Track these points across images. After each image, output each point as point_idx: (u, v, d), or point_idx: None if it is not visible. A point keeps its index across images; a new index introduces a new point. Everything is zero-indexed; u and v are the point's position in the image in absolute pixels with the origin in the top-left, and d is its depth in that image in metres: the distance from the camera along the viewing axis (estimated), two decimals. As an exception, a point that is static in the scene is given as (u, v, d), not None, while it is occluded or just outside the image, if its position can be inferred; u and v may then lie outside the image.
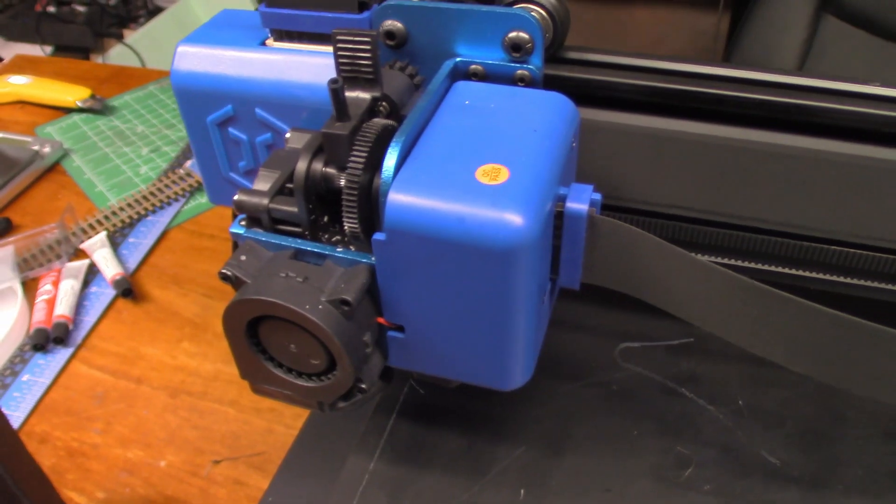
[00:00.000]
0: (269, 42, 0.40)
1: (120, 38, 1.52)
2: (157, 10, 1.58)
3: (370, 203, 0.33)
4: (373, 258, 0.33)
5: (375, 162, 0.32)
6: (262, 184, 0.35)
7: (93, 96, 0.84)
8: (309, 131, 0.38)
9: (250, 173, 0.42)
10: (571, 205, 0.33)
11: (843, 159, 0.35)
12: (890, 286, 0.39)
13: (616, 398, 0.43)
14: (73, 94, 0.84)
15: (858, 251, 0.39)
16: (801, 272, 0.40)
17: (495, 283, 0.31)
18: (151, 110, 0.85)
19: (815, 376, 0.32)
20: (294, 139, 0.37)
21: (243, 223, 0.44)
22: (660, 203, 0.39)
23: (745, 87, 0.35)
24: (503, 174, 0.31)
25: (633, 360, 0.45)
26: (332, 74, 0.38)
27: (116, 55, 1.41)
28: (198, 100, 0.40)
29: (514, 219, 0.30)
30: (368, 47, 0.32)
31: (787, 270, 0.40)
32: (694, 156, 0.37)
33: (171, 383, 0.57)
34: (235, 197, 0.35)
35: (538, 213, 0.30)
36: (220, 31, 0.41)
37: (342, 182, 0.33)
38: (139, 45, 1.41)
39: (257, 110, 0.39)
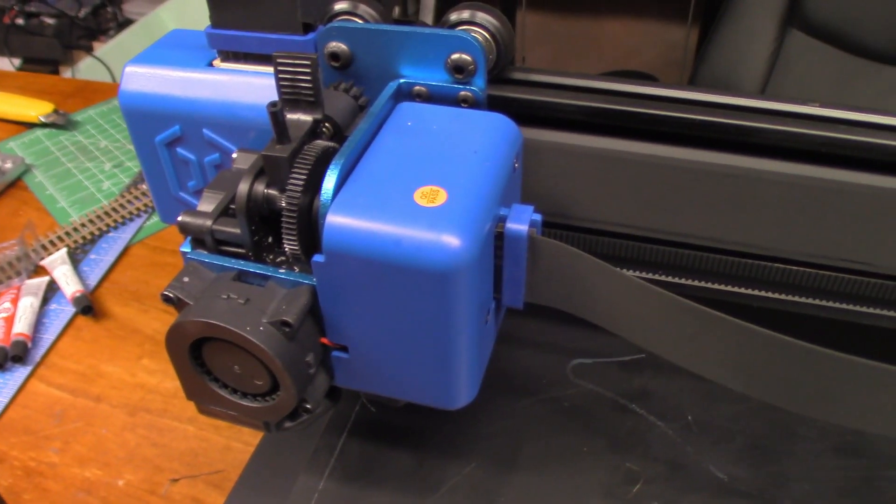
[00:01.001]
0: (217, 63, 0.40)
1: (90, 50, 1.51)
2: (128, 23, 1.57)
3: (311, 225, 0.33)
4: (313, 279, 0.33)
5: (315, 184, 0.32)
6: (207, 205, 0.35)
7: (56, 111, 0.84)
8: (255, 152, 0.38)
9: (200, 193, 0.42)
10: (511, 225, 0.33)
11: (783, 178, 0.36)
12: (832, 304, 0.40)
13: (567, 415, 0.44)
14: (36, 109, 0.84)
15: (801, 268, 0.39)
16: (744, 290, 0.40)
17: (435, 304, 0.31)
18: (115, 125, 0.84)
19: (753, 395, 0.32)
20: (240, 160, 0.37)
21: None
22: (604, 221, 0.40)
23: (686, 108, 0.36)
24: (441, 196, 0.31)
25: (585, 376, 0.46)
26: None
27: (86, 68, 1.40)
28: (146, 120, 0.40)
29: (451, 241, 0.30)
30: (309, 70, 0.32)
31: (731, 288, 0.41)
32: (636, 175, 0.38)
33: (130, 401, 0.56)
34: (179, 218, 0.35)
35: (476, 234, 0.31)
36: (168, 51, 0.41)
37: (283, 203, 0.33)
38: (109, 57, 1.40)
39: (205, 131, 0.39)
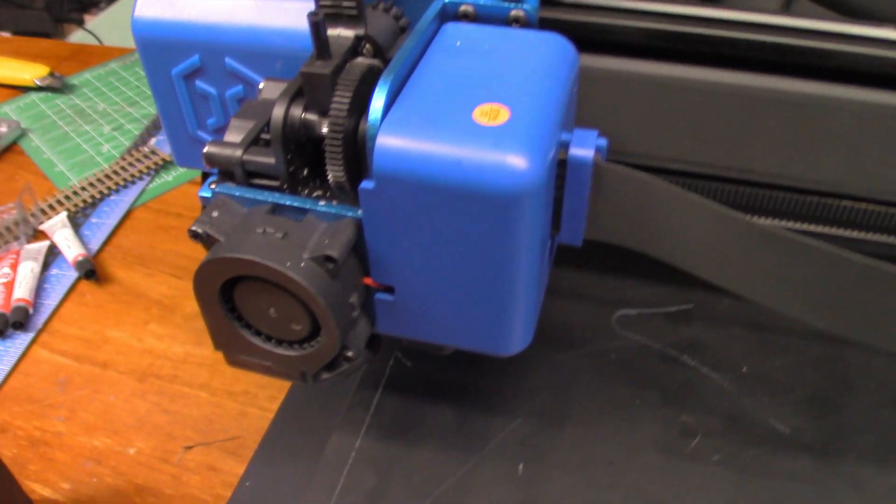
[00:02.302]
0: (240, -15, 0.37)
1: (81, 23, 1.46)
2: (119, -6, 1.52)
3: (356, 150, 0.30)
4: (359, 211, 0.30)
5: (361, 105, 0.30)
6: (235, 135, 0.32)
7: (51, 74, 0.80)
8: (284, 81, 0.35)
9: (220, 131, 0.39)
10: (575, 151, 0.30)
11: (858, 106, 0.33)
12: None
13: (615, 367, 0.41)
14: (31, 72, 0.80)
15: (871, 206, 0.37)
16: (811, 227, 0.38)
17: (497, 234, 0.29)
18: (113, 88, 0.81)
19: (838, 332, 0.30)
20: (268, 90, 0.34)
21: (213, 185, 0.41)
22: (661, 157, 0.37)
23: (752, 30, 0.33)
24: (503, 114, 0.28)
25: (630, 328, 0.43)
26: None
27: (77, 40, 1.36)
28: (162, 50, 0.37)
29: (518, 161, 0.27)
30: (352, -22, 0.29)
31: (798, 225, 0.38)
32: (697, 105, 0.35)
33: (138, 367, 0.54)
34: (205, 149, 0.32)
35: (543, 156, 0.28)
36: (184, -25, 0.38)
37: (324, 128, 0.30)
38: (100, 29, 1.36)
39: (227, 60, 0.36)
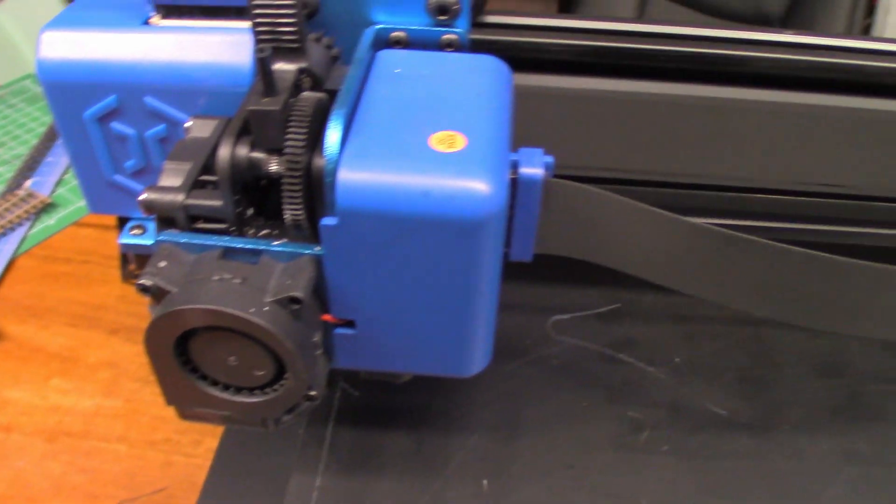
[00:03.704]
0: (155, 20, 0.35)
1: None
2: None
3: (311, 187, 0.29)
4: (317, 248, 0.30)
5: (314, 140, 0.29)
6: (172, 178, 0.31)
7: None
8: (214, 118, 0.34)
9: (140, 174, 0.37)
10: (525, 170, 0.31)
11: (768, 107, 0.36)
12: (813, 226, 0.40)
13: (558, 372, 0.42)
14: None
15: (782, 196, 0.39)
16: (731, 222, 0.40)
17: (461, 258, 0.29)
18: (-27, 124, 0.75)
19: (786, 319, 0.32)
20: (197, 128, 0.33)
21: (134, 231, 0.39)
22: (592, 167, 0.38)
23: (670, 41, 0.35)
24: (460, 141, 0.28)
25: (566, 332, 0.44)
26: (234, 52, 0.34)
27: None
28: (73, 92, 0.35)
29: (482, 187, 0.27)
30: (292, 11, 0.29)
31: (719, 222, 0.40)
32: (624, 115, 0.36)
33: (46, 427, 0.50)
34: (142, 196, 0.30)
35: (503, 179, 0.28)
36: (90, 12, 0.35)
37: (273, 167, 0.29)
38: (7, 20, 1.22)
39: (147, 99, 0.34)
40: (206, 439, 0.48)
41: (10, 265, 0.61)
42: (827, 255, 0.29)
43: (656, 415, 0.40)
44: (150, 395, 0.52)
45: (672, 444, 0.39)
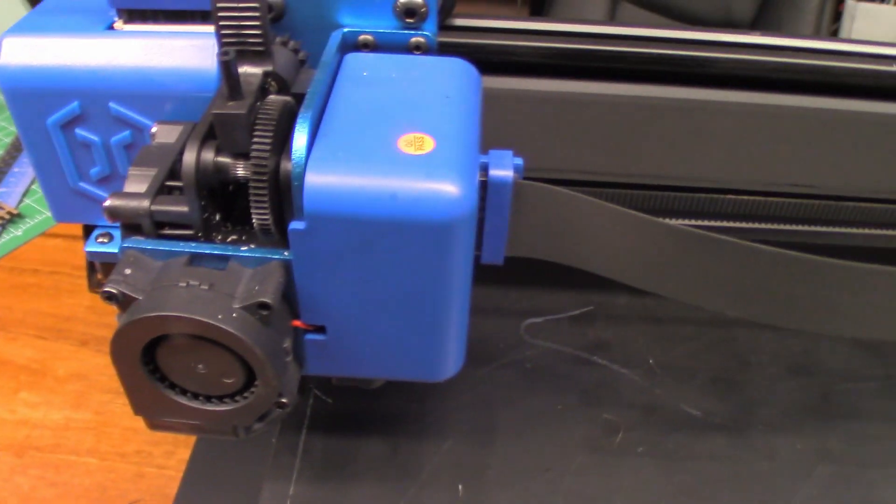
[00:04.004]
0: (119, 25, 0.35)
1: None
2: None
3: (279, 191, 0.29)
4: (285, 253, 0.29)
5: (280, 144, 0.29)
6: (137, 184, 0.30)
7: None
8: (178, 123, 0.33)
9: (105, 181, 0.37)
10: (495, 172, 0.31)
11: (736, 108, 0.36)
12: (782, 226, 0.41)
13: (532, 375, 0.42)
14: None
15: (751, 197, 0.40)
16: (701, 223, 0.40)
17: (432, 262, 0.29)
18: (-64, 136, 0.73)
19: (758, 319, 0.32)
20: (162, 133, 0.33)
21: (101, 239, 0.38)
22: (561, 168, 0.38)
23: (641, 43, 0.35)
24: (428, 143, 0.28)
25: (539, 335, 0.44)
26: (199, 56, 0.33)
27: None
28: (35, 99, 0.34)
29: (451, 189, 0.27)
30: (257, 14, 0.28)
31: (689, 223, 0.41)
32: (595, 116, 0.37)
33: (14, 441, 0.49)
34: (107, 202, 0.29)
35: (472, 180, 0.28)
36: (52, 17, 0.35)
37: (239, 171, 0.29)
38: None
39: (111, 105, 0.34)
40: (178, 450, 0.48)
41: (-25, 278, 0.60)
42: (796, 253, 0.29)
43: (631, 416, 0.40)
44: (121, 406, 0.51)
45: (647, 445, 0.39)
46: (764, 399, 0.41)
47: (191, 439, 0.48)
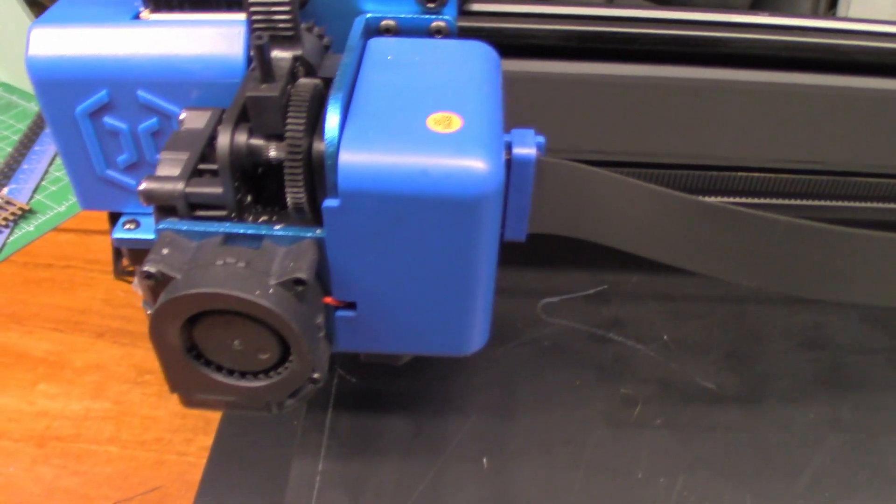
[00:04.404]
0: (144, 14, 0.35)
1: None
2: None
3: (311, 171, 0.30)
4: (318, 231, 0.30)
5: (313, 125, 0.29)
6: (170, 168, 0.31)
7: None
8: (207, 109, 0.34)
9: (132, 168, 0.38)
10: (518, 150, 0.32)
11: (748, 87, 0.37)
12: (792, 202, 0.42)
13: (551, 353, 0.43)
14: None
15: (761, 174, 0.41)
16: (718, 200, 0.41)
17: (461, 237, 0.29)
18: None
19: (775, 289, 0.33)
20: (191, 119, 0.33)
21: (128, 226, 0.39)
22: (578, 150, 0.39)
23: (654, 25, 0.36)
24: (456, 121, 0.29)
25: (556, 314, 0.45)
26: (225, 44, 0.34)
27: None
28: (64, 89, 0.35)
29: (480, 165, 0.28)
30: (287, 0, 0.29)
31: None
32: (610, 97, 0.37)
33: (34, 432, 0.50)
34: (142, 186, 0.30)
35: (499, 157, 0.29)
36: (78, 8, 0.36)
37: (272, 152, 0.30)
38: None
39: (139, 93, 0.35)
40: (197, 437, 0.49)
41: (-10, 273, 0.60)
42: (813, 223, 0.30)
43: (648, 390, 0.41)
44: (140, 396, 0.52)
45: (664, 417, 0.40)
46: (776, 372, 0.43)
47: (210, 426, 0.49)
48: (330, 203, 0.29)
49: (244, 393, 0.32)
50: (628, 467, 0.38)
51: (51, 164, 0.71)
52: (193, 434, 0.49)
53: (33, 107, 0.76)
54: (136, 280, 0.44)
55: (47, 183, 0.69)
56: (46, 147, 0.73)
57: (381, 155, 0.28)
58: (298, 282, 0.29)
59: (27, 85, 0.76)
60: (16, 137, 0.74)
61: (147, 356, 0.54)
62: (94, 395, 0.52)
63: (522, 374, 0.42)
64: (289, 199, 0.29)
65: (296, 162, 0.29)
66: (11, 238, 0.63)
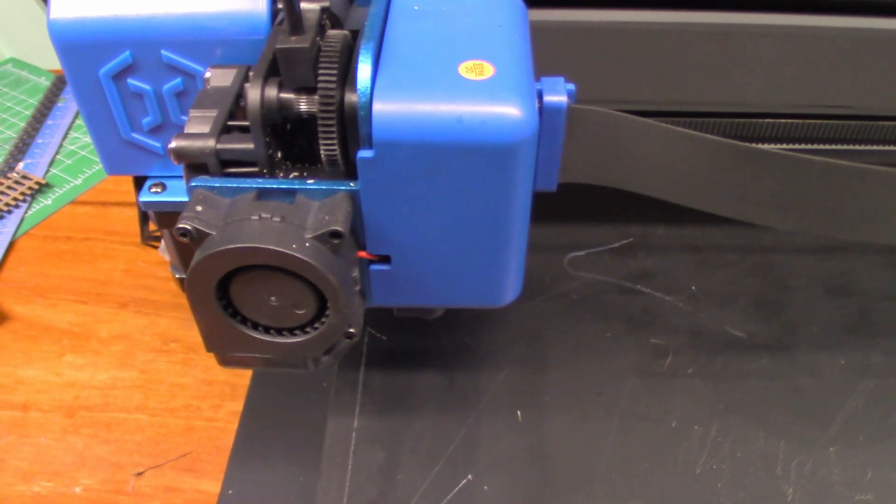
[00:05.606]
0: (166, -27, 0.35)
1: None
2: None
3: (344, 123, 0.29)
4: (352, 184, 0.30)
5: (343, 77, 0.29)
6: (199, 125, 0.31)
7: None
8: (232, 67, 0.34)
9: (157, 130, 0.37)
10: (549, 98, 0.31)
11: (773, 31, 0.37)
12: (821, 147, 0.42)
13: (580, 306, 0.43)
14: None
15: (790, 120, 0.40)
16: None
17: (496, 185, 0.29)
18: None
19: (807, 231, 0.33)
20: (217, 77, 0.33)
21: (154, 189, 0.39)
22: (604, 99, 0.39)
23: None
24: (488, 69, 0.29)
25: (583, 268, 0.45)
26: (249, 0, 0.34)
27: None
28: (86, 51, 0.34)
29: (514, 111, 0.28)
30: (314, -51, 0.29)
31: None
32: (635, 45, 0.37)
33: (63, 402, 0.50)
34: (172, 144, 0.30)
35: (532, 103, 0.29)
36: (99, -31, 0.35)
37: (303, 106, 0.30)
38: None
39: (163, 53, 0.34)
40: (225, 403, 0.49)
41: (10, 247, 0.60)
42: (846, 162, 0.30)
43: (678, 340, 0.41)
44: (166, 364, 0.52)
45: (696, 366, 0.40)
46: (805, 319, 0.43)
47: (238, 392, 0.49)
48: (364, 154, 0.29)
49: (281, 350, 0.32)
50: (662, 416, 0.38)
51: (65, 137, 0.71)
52: (221, 400, 0.49)
53: (44, 81, 0.75)
54: (162, 244, 0.44)
55: (62, 157, 0.69)
56: (59, 121, 0.73)
57: (415, 104, 0.28)
58: (335, 234, 0.29)
59: (37, 60, 0.76)
60: (28, 112, 0.73)
61: (171, 325, 0.54)
62: (121, 364, 0.52)
63: (552, 327, 0.42)
64: (322, 153, 0.29)
65: (329, 114, 0.28)
66: (30, 212, 0.63)
